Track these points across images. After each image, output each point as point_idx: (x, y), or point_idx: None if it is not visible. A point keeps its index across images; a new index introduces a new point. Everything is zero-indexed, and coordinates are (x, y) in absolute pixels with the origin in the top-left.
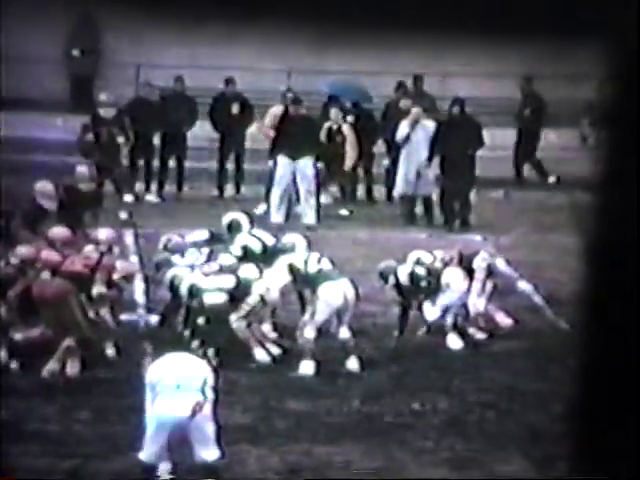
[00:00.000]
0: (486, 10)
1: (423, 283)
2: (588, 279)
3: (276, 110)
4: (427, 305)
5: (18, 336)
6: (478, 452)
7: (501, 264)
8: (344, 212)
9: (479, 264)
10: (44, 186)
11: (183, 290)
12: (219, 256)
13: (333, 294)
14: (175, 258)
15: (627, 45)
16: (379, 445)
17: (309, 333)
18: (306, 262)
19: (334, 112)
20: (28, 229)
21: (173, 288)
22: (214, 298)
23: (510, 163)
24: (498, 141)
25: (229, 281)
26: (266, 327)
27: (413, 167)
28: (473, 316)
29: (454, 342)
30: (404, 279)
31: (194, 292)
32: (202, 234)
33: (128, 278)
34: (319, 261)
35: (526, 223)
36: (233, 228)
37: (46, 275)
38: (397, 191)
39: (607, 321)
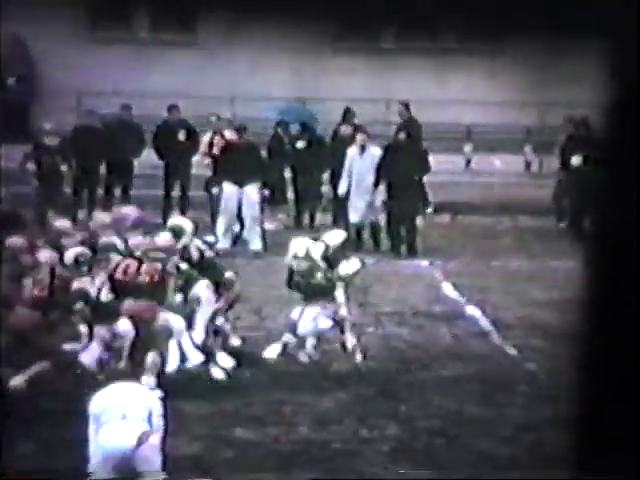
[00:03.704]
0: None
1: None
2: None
3: (206, 138)
4: (197, 323)
5: None
6: (427, 479)
7: (448, 289)
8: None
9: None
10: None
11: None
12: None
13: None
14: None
15: (627, 45)
16: (327, 472)
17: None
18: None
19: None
20: None
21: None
22: None
23: (456, 187)
24: (445, 166)
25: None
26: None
27: (361, 193)
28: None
29: (224, 361)
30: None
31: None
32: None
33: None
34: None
35: (472, 248)
36: (176, 234)
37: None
38: (351, 219)
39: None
